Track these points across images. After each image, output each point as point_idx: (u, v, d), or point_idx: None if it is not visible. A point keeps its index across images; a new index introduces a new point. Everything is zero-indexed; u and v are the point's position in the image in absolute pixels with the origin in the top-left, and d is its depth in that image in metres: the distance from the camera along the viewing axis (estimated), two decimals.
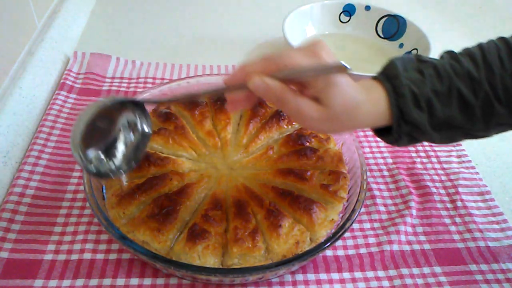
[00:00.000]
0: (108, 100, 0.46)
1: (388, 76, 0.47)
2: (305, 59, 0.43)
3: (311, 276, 0.52)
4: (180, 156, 0.59)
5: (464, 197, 0.62)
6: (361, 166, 0.57)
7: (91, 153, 0.46)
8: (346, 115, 0.44)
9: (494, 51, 0.47)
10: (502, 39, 0.49)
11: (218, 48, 0.90)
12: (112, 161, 0.47)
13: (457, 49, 0.50)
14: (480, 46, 0.48)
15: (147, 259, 0.47)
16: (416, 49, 0.80)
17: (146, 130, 0.49)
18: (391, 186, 0.63)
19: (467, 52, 0.49)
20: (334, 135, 0.63)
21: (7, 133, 0.60)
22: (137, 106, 0.48)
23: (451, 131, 0.48)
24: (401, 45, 0.84)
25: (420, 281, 0.52)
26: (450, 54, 0.49)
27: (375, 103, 0.46)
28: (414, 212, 0.59)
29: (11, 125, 0.62)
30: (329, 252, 0.54)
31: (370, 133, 0.71)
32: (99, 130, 0.46)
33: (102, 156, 0.47)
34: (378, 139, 0.71)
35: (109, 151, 0.47)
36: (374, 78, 0.49)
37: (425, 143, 0.70)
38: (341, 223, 0.51)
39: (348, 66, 0.41)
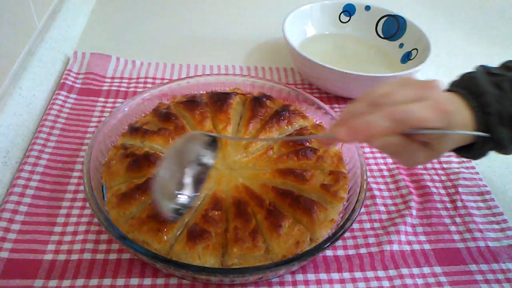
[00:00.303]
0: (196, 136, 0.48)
1: (472, 92, 0.46)
2: (433, 117, 0.40)
3: (311, 276, 0.52)
4: None
5: (464, 197, 0.62)
6: (361, 166, 0.57)
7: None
8: (447, 146, 0.45)
9: None
10: None
11: (218, 48, 0.90)
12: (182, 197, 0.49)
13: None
14: None
15: (147, 259, 0.47)
16: (416, 49, 0.80)
17: (211, 162, 0.51)
18: (391, 186, 0.63)
19: None
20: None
21: (7, 133, 0.60)
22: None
23: None
24: (401, 45, 0.84)
25: (420, 281, 0.52)
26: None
27: (464, 126, 0.45)
28: (414, 212, 0.59)
29: (11, 125, 0.62)
30: (329, 252, 0.54)
31: None
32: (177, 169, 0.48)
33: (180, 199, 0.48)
34: None
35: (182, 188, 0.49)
36: (453, 90, 0.47)
37: None
38: (341, 223, 0.51)
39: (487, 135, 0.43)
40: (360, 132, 0.41)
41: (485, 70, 0.48)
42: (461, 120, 0.45)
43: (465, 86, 0.47)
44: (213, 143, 0.51)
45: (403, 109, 0.40)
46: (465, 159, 0.68)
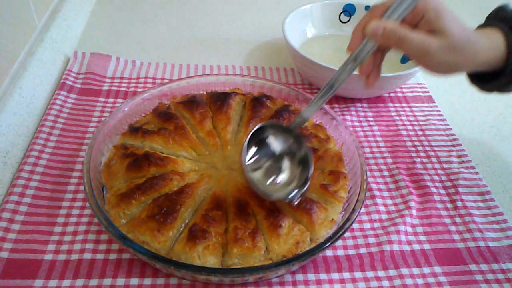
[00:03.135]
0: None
1: (500, 19, 0.49)
2: None
3: (311, 276, 0.52)
4: (180, 156, 0.59)
5: (464, 197, 0.62)
6: (361, 166, 0.57)
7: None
8: (466, 44, 0.45)
9: None
10: None
11: (218, 48, 0.90)
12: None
13: None
14: None
15: (147, 259, 0.47)
16: None
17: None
18: (391, 186, 0.63)
19: None
20: (452, 73, 0.62)
21: (7, 133, 0.60)
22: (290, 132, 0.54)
23: None
24: None
25: (420, 281, 0.52)
26: None
27: (491, 40, 0.47)
28: (414, 212, 0.59)
29: (11, 125, 0.62)
30: (329, 252, 0.54)
31: (370, 133, 0.71)
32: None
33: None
34: (379, 139, 0.71)
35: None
36: (483, 25, 0.50)
37: (425, 143, 0.70)
38: (341, 223, 0.51)
39: None
40: (353, 34, 0.47)
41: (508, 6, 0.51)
42: (492, 34, 0.47)
43: (493, 17, 0.50)
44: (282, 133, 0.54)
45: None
46: (464, 159, 0.68)
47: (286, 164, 0.54)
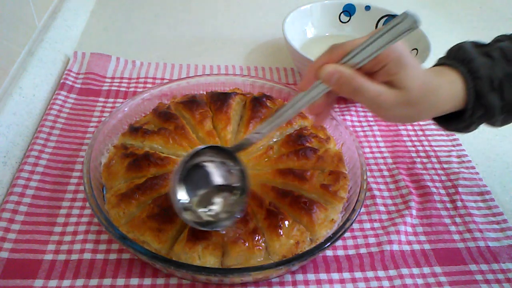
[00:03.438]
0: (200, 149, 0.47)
1: (462, 60, 0.47)
2: (367, 37, 0.41)
3: (311, 276, 0.52)
4: (180, 156, 0.59)
5: (464, 197, 0.62)
6: (361, 166, 0.57)
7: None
8: (423, 99, 0.43)
9: None
10: None
11: (218, 48, 0.90)
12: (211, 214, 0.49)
13: None
14: None
15: (147, 259, 0.47)
16: (416, 49, 0.80)
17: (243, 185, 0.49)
18: (391, 186, 0.63)
19: None
20: (408, 123, 0.58)
21: (7, 133, 0.60)
22: (229, 154, 0.49)
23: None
24: None
25: (420, 281, 0.52)
26: (509, 37, 0.49)
27: (451, 87, 0.45)
28: (414, 212, 0.59)
29: (11, 125, 0.62)
30: (329, 252, 0.54)
31: (370, 133, 0.71)
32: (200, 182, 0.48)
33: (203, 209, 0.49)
34: (379, 139, 0.71)
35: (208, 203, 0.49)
36: (441, 64, 0.48)
37: (425, 143, 0.70)
38: (341, 223, 0.51)
39: (416, 17, 0.40)
40: (307, 72, 0.43)
41: (473, 43, 0.49)
42: (451, 80, 0.45)
43: (453, 56, 0.47)
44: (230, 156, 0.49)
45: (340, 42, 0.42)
46: (464, 159, 0.68)
47: (223, 191, 0.50)
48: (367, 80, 0.42)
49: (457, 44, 0.48)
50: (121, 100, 0.73)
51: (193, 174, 0.47)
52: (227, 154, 0.49)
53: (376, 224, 0.58)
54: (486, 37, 0.51)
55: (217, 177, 0.49)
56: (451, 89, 0.45)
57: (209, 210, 0.49)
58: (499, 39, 0.50)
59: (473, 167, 0.67)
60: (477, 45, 0.49)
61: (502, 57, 0.46)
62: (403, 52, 0.42)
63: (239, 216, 0.49)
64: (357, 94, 0.42)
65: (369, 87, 0.42)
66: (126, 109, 0.63)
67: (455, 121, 0.49)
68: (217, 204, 0.49)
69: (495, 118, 0.48)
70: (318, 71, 0.42)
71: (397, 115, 0.45)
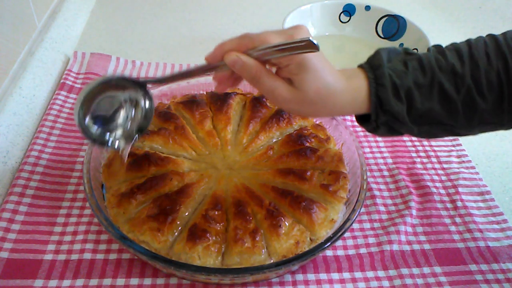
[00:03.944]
0: (113, 77, 0.48)
1: (372, 66, 0.48)
2: (278, 39, 0.44)
3: (311, 276, 0.52)
4: (180, 156, 0.59)
5: (464, 197, 0.62)
6: (361, 166, 0.57)
7: (95, 123, 0.47)
8: (320, 101, 0.46)
9: (482, 46, 0.47)
10: (491, 36, 0.49)
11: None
12: (114, 133, 0.49)
13: None
14: (468, 42, 0.49)
15: (147, 259, 0.47)
16: (416, 49, 0.80)
17: (147, 107, 0.49)
18: (391, 186, 0.63)
19: (455, 47, 0.49)
20: (313, 118, 0.63)
21: (7, 133, 0.60)
22: (141, 86, 0.49)
23: (431, 126, 0.49)
24: (401, 45, 0.84)
25: (420, 281, 0.52)
26: (437, 48, 0.50)
27: (355, 91, 0.47)
28: (414, 212, 0.59)
29: (11, 125, 0.62)
30: (329, 252, 0.54)
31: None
32: (103, 104, 0.47)
33: (103, 127, 0.48)
34: (378, 139, 0.71)
35: (111, 124, 0.49)
36: (360, 66, 0.49)
37: (425, 143, 0.70)
38: (341, 223, 0.51)
39: (316, 43, 0.42)
40: (217, 49, 0.46)
41: (404, 50, 0.50)
42: (356, 85, 0.47)
43: (369, 60, 0.49)
44: (148, 93, 0.49)
45: (254, 33, 0.45)
46: (464, 159, 0.68)
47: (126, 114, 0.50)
48: (267, 73, 0.45)
49: (377, 50, 0.50)
50: None
51: (101, 100, 0.47)
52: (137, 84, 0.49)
53: (376, 224, 0.58)
54: None
55: (122, 101, 0.49)
56: (353, 95, 0.47)
57: (110, 130, 0.49)
58: (436, 46, 0.51)
59: (473, 167, 0.67)
60: (407, 52, 0.49)
61: (418, 67, 0.47)
62: (308, 57, 0.44)
63: (137, 138, 0.50)
64: (256, 83, 0.46)
65: (266, 80, 0.45)
66: None
67: (365, 122, 0.50)
68: (119, 126, 0.49)
69: (407, 125, 0.48)
70: (225, 55, 0.45)
71: (291, 110, 0.48)
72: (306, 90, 0.45)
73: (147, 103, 0.49)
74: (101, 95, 0.47)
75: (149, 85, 0.49)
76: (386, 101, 0.47)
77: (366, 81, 0.47)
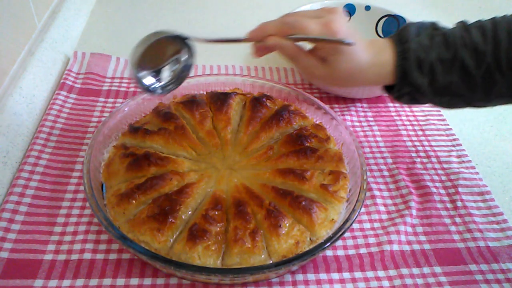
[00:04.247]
0: (163, 32, 0.54)
1: (400, 39, 0.52)
2: (317, 29, 0.48)
3: (311, 276, 0.52)
4: (180, 156, 0.59)
5: (464, 197, 0.62)
6: (361, 166, 0.57)
7: (145, 72, 0.53)
8: (350, 78, 0.52)
9: (505, 26, 0.51)
10: None
11: (218, 48, 0.89)
12: (159, 82, 0.55)
13: None
14: (493, 20, 0.52)
15: (147, 259, 0.47)
16: None
17: (189, 62, 0.56)
18: (391, 186, 0.63)
19: (480, 24, 0.52)
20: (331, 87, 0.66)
21: (7, 133, 0.60)
22: (186, 42, 0.55)
23: (451, 97, 0.53)
24: None
25: (420, 281, 0.52)
26: (463, 24, 0.53)
27: (382, 65, 0.52)
28: (414, 212, 0.59)
29: (11, 125, 0.62)
30: (329, 252, 0.54)
31: (370, 133, 0.72)
32: (153, 56, 0.54)
33: (153, 76, 0.54)
34: (378, 139, 0.71)
35: (158, 74, 0.55)
36: (390, 37, 0.54)
37: (425, 143, 0.70)
38: (341, 223, 0.51)
39: (352, 42, 0.48)
40: (257, 30, 0.52)
41: (432, 24, 0.54)
42: (384, 60, 0.52)
43: (398, 33, 0.54)
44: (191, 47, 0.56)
45: (293, 17, 0.50)
46: (464, 159, 0.68)
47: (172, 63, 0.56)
48: (303, 54, 0.52)
49: (407, 23, 0.54)
50: (121, 100, 0.73)
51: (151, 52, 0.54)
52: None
53: (376, 224, 0.58)
54: None
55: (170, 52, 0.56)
56: (380, 69, 0.52)
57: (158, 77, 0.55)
58: (461, 22, 0.54)
59: (473, 167, 0.67)
60: (435, 27, 0.53)
61: (443, 43, 0.51)
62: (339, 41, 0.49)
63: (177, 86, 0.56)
64: (293, 61, 0.52)
65: (302, 59, 0.52)
66: (126, 109, 0.63)
67: (389, 89, 0.55)
68: (165, 72, 0.56)
69: (428, 97, 0.53)
70: (267, 38, 0.51)
71: (323, 83, 0.56)
72: (339, 69, 0.51)
73: (189, 57, 0.56)
74: (152, 48, 0.53)
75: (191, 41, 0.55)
76: (409, 74, 0.51)
77: (393, 54, 0.52)
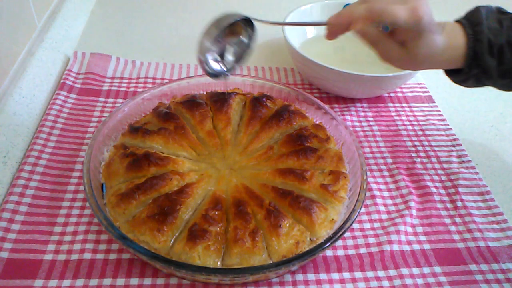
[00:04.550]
0: (228, 15, 0.57)
1: (471, 22, 0.54)
2: (404, 16, 0.49)
3: (311, 276, 0.52)
4: (180, 156, 0.59)
5: (464, 197, 0.62)
6: (361, 166, 0.57)
7: (210, 56, 0.56)
8: (425, 61, 0.54)
9: None
10: None
11: None
12: (223, 64, 0.58)
13: None
14: None
15: (147, 259, 0.47)
16: None
17: (251, 45, 0.59)
18: (391, 186, 0.63)
19: None
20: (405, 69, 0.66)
21: (7, 133, 0.60)
22: (250, 24, 0.58)
23: None
24: None
25: (420, 281, 0.52)
26: None
27: (454, 49, 0.54)
28: (414, 212, 0.59)
29: (11, 125, 0.62)
30: (329, 252, 0.54)
31: (370, 133, 0.72)
32: (218, 38, 0.56)
33: (219, 60, 0.58)
34: (378, 139, 0.71)
35: (221, 56, 0.58)
36: (458, 21, 0.56)
37: (425, 143, 0.70)
38: (341, 223, 0.51)
39: (434, 30, 0.51)
40: (343, 16, 0.52)
41: (498, 9, 0.56)
42: (456, 43, 0.54)
43: (468, 16, 0.56)
44: (248, 26, 0.59)
45: (381, 4, 0.50)
46: (464, 159, 0.68)
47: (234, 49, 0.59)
48: (384, 39, 0.53)
49: (476, 6, 0.56)
50: (121, 100, 0.73)
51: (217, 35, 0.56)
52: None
53: (376, 224, 0.58)
54: None
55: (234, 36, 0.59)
56: (452, 52, 0.54)
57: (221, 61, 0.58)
58: None
59: (473, 167, 0.67)
60: (500, 11, 0.56)
61: (511, 27, 0.53)
62: (423, 28, 0.50)
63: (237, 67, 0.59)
64: (373, 45, 0.54)
65: (383, 44, 0.54)
66: (126, 109, 0.63)
67: (455, 73, 0.57)
68: (228, 56, 0.59)
69: (493, 79, 0.55)
70: (351, 25, 0.52)
71: (399, 66, 0.56)
72: (416, 54, 0.52)
73: (250, 41, 0.59)
74: (218, 31, 0.55)
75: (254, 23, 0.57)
76: (481, 56, 0.53)
77: (465, 38, 0.54)
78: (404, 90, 0.81)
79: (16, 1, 0.67)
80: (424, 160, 0.68)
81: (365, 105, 0.77)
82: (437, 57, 0.53)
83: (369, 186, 0.63)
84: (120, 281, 0.49)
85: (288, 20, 0.81)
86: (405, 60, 0.53)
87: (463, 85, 0.58)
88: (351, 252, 0.55)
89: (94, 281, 0.49)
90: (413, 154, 0.69)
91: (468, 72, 0.55)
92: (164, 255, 0.48)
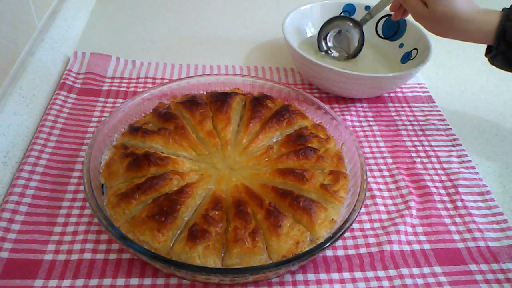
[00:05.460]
0: (342, 17, 0.85)
1: (510, 9, 0.61)
2: None
3: (311, 276, 0.52)
4: (180, 156, 0.59)
5: (464, 197, 0.62)
6: (361, 166, 0.57)
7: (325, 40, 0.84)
8: (445, 22, 0.62)
9: None
10: None
11: (218, 48, 0.90)
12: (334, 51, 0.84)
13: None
14: None
15: (147, 259, 0.47)
16: (416, 49, 0.80)
17: (360, 41, 0.83)
18: (391, 186, 0.63)
19: None
20: (440, 36, 0.69)
21: (7, 133, 0.60)
22: (358, 24, 0.82)
23: None
24: (401, 45, 0.84)
25: (420, 281, 0.52)
26: None
27: (484, 23, 0.61)
28: (414, 212, 0.59)
29: (11, 125, 0.62)
30: (329, 252, 0.54)
31: (370, 133, 0.72)
32: (334, 30, 0.84)
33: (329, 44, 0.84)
34: (378, 139, 0.71)
35: (333, 44, 0.85)
36: (502, 10, 0.62)
37: (425, 143, 0.70)
38: (341, 223, 0.51)
39: None
40: None
41: None
42: (488, 19, 0.61)
43: (510, 7, 0.62)
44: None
45: None
46: (464, 159, 0.68)
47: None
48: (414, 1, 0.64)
49: None
50: (121, 100, 0.74)
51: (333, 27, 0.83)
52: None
53: (376, 224, 0.58)
54: None
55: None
56: (482, 26, 0.61)
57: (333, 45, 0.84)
58: None
59: (473, 167, 0.67)
60: None
61: None
62: None
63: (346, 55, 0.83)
64: (404, 3, 0.67)
65: (411, 1, 0.65)
66: (126, 109, 0.63)
67: (488, 50, 0.64)
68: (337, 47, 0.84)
69: None
70: None
71: (426, 26, 0.66)
72: (434, 11, 0.61)
73: (359, 37, 0.83)
74: (334, 25, 0.83)
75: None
76: (509, 33, 0.59)
77: (499, 17, 0.60)
78: (404, 90, 0.81)
79: (16, 1, 0.67)
80: (424, 160, 0.68)
81: (365, 105, 0.77)
82: (460, 24, 0.61)
83: (369, 186, 0.63)
84: (120, 281, 0.49)
85: (287, 20, 0.81)
86: (427, 17, 0.62)
87: (493, 63, 0.64)
88: (351, 252, 0.55)
89: (94, 281, 0.49)
90: (413, 154, 0.69)
91: (496, 47, 0.61)
92: (164, 255, 0.48)
